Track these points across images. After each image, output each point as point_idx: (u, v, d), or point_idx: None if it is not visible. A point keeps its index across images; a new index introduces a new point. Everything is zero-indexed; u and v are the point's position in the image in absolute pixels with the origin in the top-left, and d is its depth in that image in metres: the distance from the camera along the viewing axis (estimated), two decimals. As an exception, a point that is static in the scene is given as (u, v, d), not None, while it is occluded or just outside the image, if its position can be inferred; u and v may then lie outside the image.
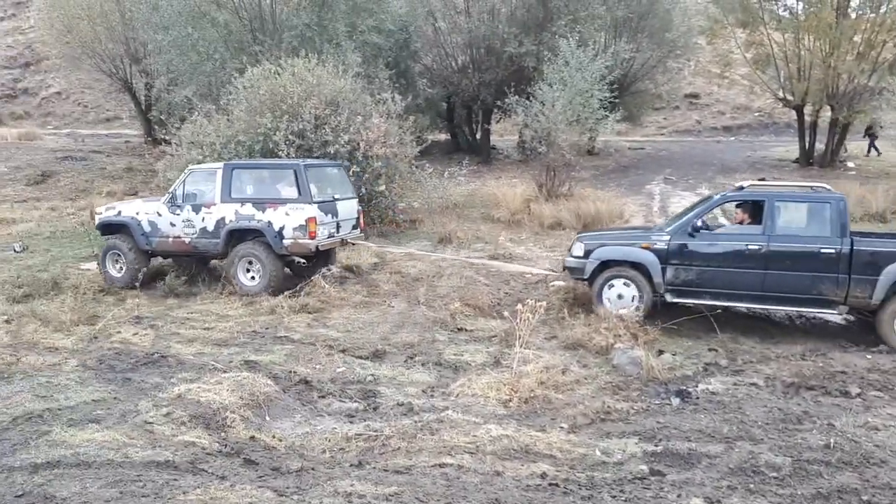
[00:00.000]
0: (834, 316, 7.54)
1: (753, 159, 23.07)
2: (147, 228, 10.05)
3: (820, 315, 7.54)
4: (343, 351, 7.06)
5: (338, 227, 9.92)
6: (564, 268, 8.79)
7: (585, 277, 8.27)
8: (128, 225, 10.12)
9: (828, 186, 8.16)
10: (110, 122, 34.28)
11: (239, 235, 9.59)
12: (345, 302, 9.09)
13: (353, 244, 10.61)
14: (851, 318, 7.99)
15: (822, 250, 7.32)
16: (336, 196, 10.03)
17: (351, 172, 12.45)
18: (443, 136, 27.11)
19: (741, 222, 8.27)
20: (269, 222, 9.35)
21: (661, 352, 6.88)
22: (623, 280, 8.03)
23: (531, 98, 16.43)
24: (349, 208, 10.27)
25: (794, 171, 20.65)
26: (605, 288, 8.10)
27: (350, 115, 13.11)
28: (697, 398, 5.72)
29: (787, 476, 4.27)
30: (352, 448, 4.73)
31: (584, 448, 4.76)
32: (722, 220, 10.41)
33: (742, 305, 7.94)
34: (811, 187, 8.29)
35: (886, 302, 7.11)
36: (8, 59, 40.35)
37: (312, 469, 4.33)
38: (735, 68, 24.66)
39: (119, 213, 10.36)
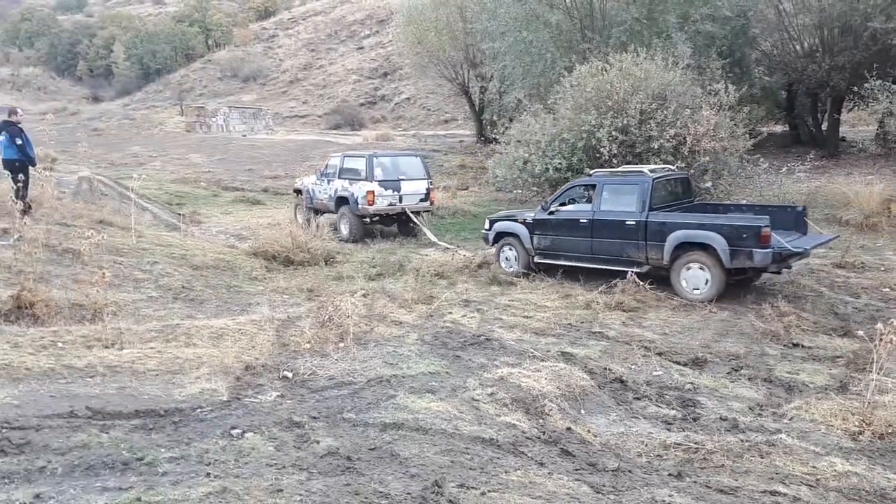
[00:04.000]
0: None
1: None
2: (312, 193, 15.23)
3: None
4: (660, 354, 6.82)
5: (400, 199, 13.78)
6: (482, 238, 11.74)
7: (490, 245, 11.33)
8: (303, 190, 15.68)
9: (645, 169, 9.89)
10: (447, 124, 37.97)
11: (342, 200, 14.06)
12: (662, 303, 8.78)
13: (413, 213, 14.14)
14: None
15: (627, 222, 9.41)
16: (402, 177, 13.84)
17: (675, 167, 12.00)
18: (779, 128, 24.52)
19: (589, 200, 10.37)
20: (353, 193, 13.72)
21: None
22: (510, 246, 10.91)
23: (900, 81, 13.98)
24: (416, 187, 14.05)
25: None
26: (503, 250, 11.05)
27: (678, 108, 12.57)
28: None
29: None
30: (670, 457, 4.53)
31: (964, 506, 3.90)
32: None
33: (580, 265, 10.07)
34: (633, 172, 10.02)
35: (674, 261, 8.96)
36: (371, 71, 47.26)
37: (629, 471, 4.26)
38: None
39: (302, 183, 15.99)
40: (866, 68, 15.86)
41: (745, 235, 8.35)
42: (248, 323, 7.22)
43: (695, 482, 4.16)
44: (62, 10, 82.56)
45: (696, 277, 8.81)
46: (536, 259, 10.60)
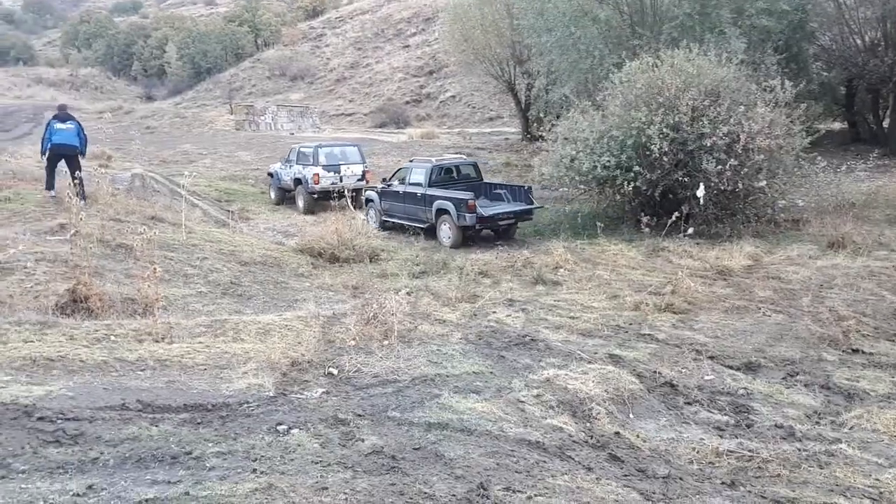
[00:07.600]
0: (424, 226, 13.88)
1: None
2: (280, 176, 19.10)
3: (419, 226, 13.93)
4: (711, 358, 6.63)
5: (340, 179, 17.28)
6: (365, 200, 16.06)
7: (365, 206, 15.70)
8: (272, 174, 19.77)
9: (433, 158, 15.18)
10: (493, 121, 37.73)
11: (297, 181, 18.04)
12: (713, 305, 8.55)
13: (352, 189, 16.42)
14: None
15: (417, 193, 13.91)
16: (341, 162, 17.98)
17: (728, 166, 11.67)
18: (838, 125, 23.69)
19: None
20: (304, 175, 17.61)
21: None
22: (372, 208, 15.53)
23: (969, 76, 13.31)
24: (353, 171, 17.95)
25: None
26: (369, 211, 15.56)
27: (731, 105, 12.20)
28: None
29: None
30: (722, 464, 4.39)
31: None
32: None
33: (403, 223, 14.38)
34: (426, 159, 15.19)
35: (437, 220, 13.48)
36: (416, 69, 47.33)
37: (680, 479, 4.14)
38: None
39: (273, 168, 19.87)
40: (932, 62, 15.18)
41: (461, 205, 12.75)
42: (295, 319, 7.27)
43: (749, 492, 4.02)
44: (119, 12, 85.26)
45: (446, 231, 13.37)
46: (384, 218, 15.05)
